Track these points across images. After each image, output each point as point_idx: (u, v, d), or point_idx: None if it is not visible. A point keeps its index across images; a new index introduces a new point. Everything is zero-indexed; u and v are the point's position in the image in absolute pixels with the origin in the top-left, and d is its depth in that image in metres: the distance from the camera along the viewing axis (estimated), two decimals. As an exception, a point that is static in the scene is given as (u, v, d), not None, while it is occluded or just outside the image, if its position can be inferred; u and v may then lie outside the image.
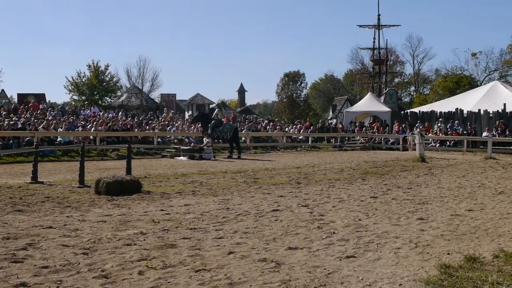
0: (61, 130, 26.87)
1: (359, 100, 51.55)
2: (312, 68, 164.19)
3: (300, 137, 37.50)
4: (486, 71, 75.53)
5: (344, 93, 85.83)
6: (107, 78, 60.68)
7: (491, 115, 35.45)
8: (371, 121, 44.17)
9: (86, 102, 52.89)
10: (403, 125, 37.74)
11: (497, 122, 33.61)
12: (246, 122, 38.95)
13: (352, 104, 56.50)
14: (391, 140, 37.34)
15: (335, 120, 54.66)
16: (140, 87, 61.91)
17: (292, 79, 77.46)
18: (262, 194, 12.46)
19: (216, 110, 35.44)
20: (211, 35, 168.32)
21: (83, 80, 59.54)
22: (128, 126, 30.45)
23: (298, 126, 40.04)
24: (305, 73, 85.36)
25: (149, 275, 5.80)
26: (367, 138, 37.58)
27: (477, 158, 26.33)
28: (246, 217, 9.39)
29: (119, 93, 63.84)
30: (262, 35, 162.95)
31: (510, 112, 34.97)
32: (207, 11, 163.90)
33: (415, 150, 26.94)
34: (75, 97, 60.52)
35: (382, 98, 46.63)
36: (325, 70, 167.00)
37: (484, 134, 32.67)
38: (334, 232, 8.17)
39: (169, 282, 5.59)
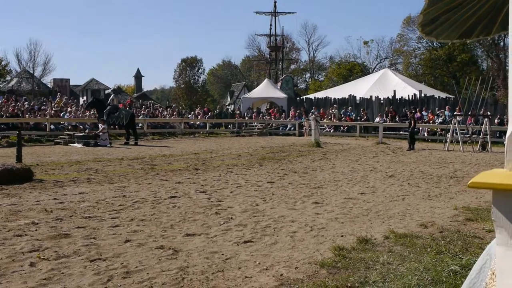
0: None
1: (256, 87, 52.03)
2: (210, 54, 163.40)
3: (198, 123, 37.45)
4: (377, 59, 78.31)
5: (242, 79, 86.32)
6: (-5, 62, 57.72)
7: (382, 101, 36.87)
8: (268, 107, 44.74)
9: (-28, 88, 50.15)
10: (299, 111, 38.45)
11: (387, 108, 34.96)
12: (143, 108, 38.37)
13: (249, 90, 56.87)
14: (288, 126, 37.99)
15: (232, 106, 54.93)
16: (31, 72, 59.34)
17: (190, 64, 77.08)
18: (159, 181, 12.34)
19: (112, 95, 34.86)
20: (105, 18, 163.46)
21: (-32, 64, 56.40)
22: (19, 112, 29.15)
23: (197, 111, 39.91)
24: (202, 58, 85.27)
25: (41, 267, 5.59)
26: (264, 124, 38.02)
27: (369, 143, 27.34)
28: (143, 204, 9.27)
29: (8, 78, 60.90)
30: (158, 19, 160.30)
31: (399, 98, 36.52)
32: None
33: (310, 135, 27.59)
34: (-41, 83, 57.25)
35: (279, 84, 47.41)
36: (222, 56, 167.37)
37: (376, 120, 33.91)
38: (231, 218, 8.23)
39: (62, 273, 5.42)
